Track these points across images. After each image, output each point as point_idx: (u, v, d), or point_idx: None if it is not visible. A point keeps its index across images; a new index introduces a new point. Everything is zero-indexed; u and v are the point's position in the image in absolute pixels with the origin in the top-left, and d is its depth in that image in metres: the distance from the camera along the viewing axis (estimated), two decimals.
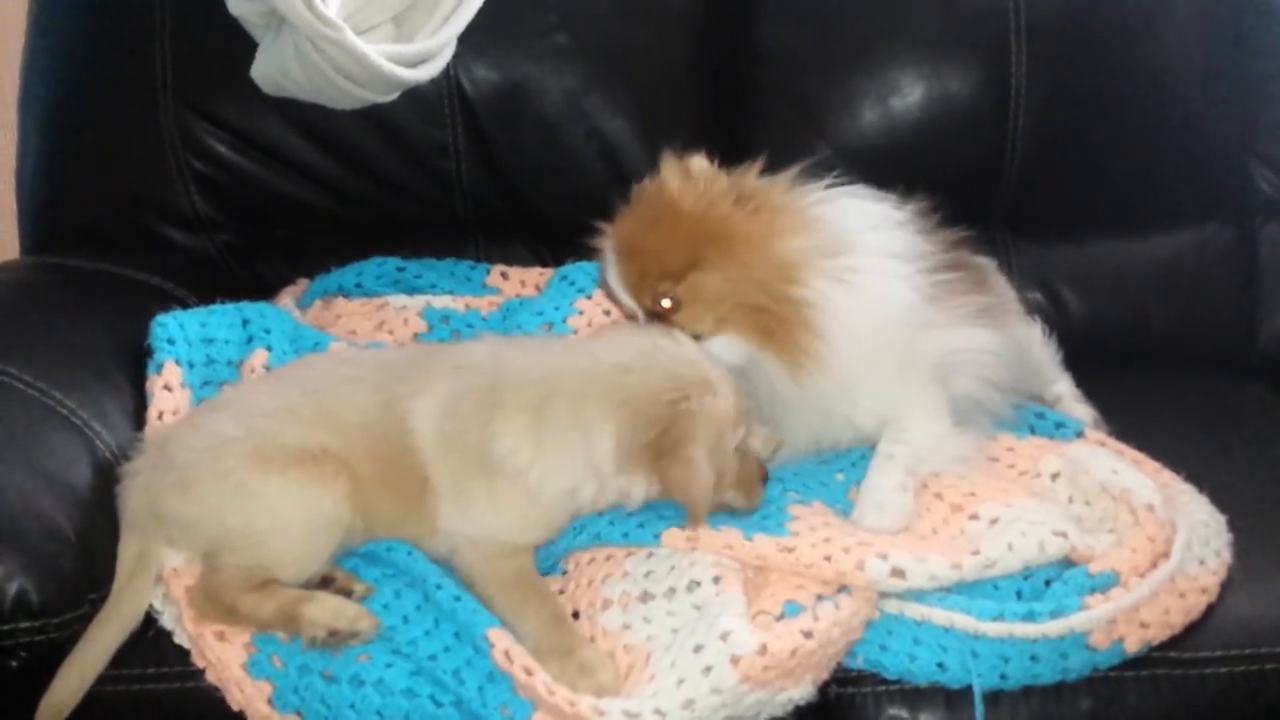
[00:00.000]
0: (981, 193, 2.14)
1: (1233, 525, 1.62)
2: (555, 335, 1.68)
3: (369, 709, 1.40)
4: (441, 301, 1.94)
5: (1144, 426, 1.77)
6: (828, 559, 1.44)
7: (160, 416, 1.64)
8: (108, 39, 2.07)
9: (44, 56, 2.10)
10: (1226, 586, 1.55)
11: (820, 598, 1.44)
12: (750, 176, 1.64)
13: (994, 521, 1.52)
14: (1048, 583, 1.49)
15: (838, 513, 1.55)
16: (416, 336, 1.90)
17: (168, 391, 1.66)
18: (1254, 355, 2.19)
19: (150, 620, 1.52)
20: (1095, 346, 2.10)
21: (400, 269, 2.03)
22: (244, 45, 1.99)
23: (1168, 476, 1.68)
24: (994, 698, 1.46)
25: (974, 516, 1.54)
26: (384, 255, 2.05)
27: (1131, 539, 1.52)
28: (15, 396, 1.58)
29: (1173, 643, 1.50)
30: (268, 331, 1.77)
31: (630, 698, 1.37)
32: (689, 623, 1.41)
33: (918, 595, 1.46)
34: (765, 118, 2.14)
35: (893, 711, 1.48)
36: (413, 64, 1.98)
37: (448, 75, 2.06)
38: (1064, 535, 1.50)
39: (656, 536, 1.48)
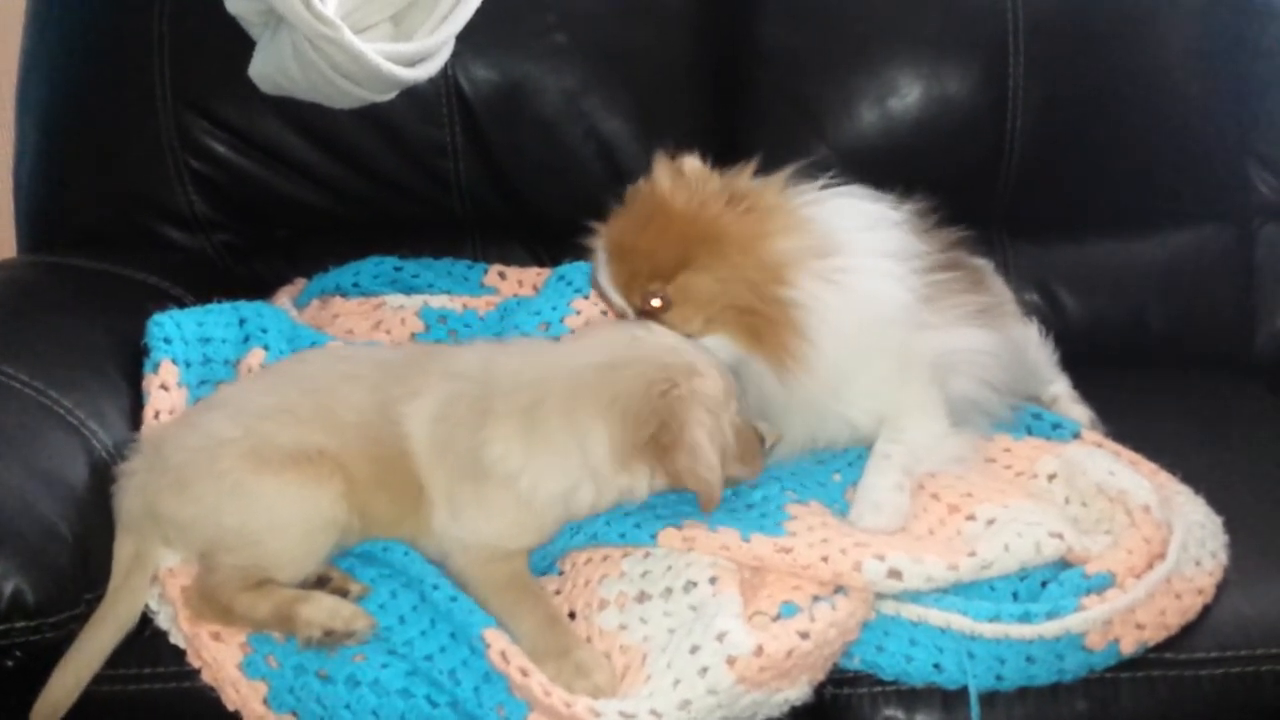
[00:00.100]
0: (980, 193, 2.14)
1: (1229, 526, 1.62)
2: (544, 338, 1.68)
3: (364, 709, 1.40)
4: (439, 301, 1.94)
5: (1141, 427, 1.77)
6: (825, 560, 1.44)
7: (157, 416, 1.64)
8: (106, 37, 2.07)
9: (42, 54, 2.10)
10: (1222, 588, 1.55)
11: (817, 598, 1.44)
12: (743, 177, 1.64)
13: (991, 522, 1.52)
14: (1044, 584, 1.49)
15: (835, 513, 1.55)
16: (414, 336, 1.89)
17: (164, 391, 1.66)
18: (1252, 356, 2.19)
19: (146, 620, 1.52)
20: (1093, 347, 2.10)
21: (398, 268, 2.03)
22: (242, 44, 1.99)
23: (1164, 478, 1.69)
24: (990, 698, 1.46)
25: (971, 517, 1.54)
26: (382, 255, 2.05)
27: (1128, 540, 1.52)
28: (11, 395, 1.58)
29: (1168, 644, 1.50)
30: (265, 331, 1.77)
31: (626, 698, 1.37)
32: (685, 623, 1.41)
33: (914, 596, 1.46)
34: (764, 117, 2.14)
35: (889, 712, 1.48)
36: (411, 63, 1.98)
37: (446, 74, 2.06)
38: (1060, 536, 1.50)
39: (653, 537, 1.48)
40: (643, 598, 1.45)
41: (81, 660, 1.45)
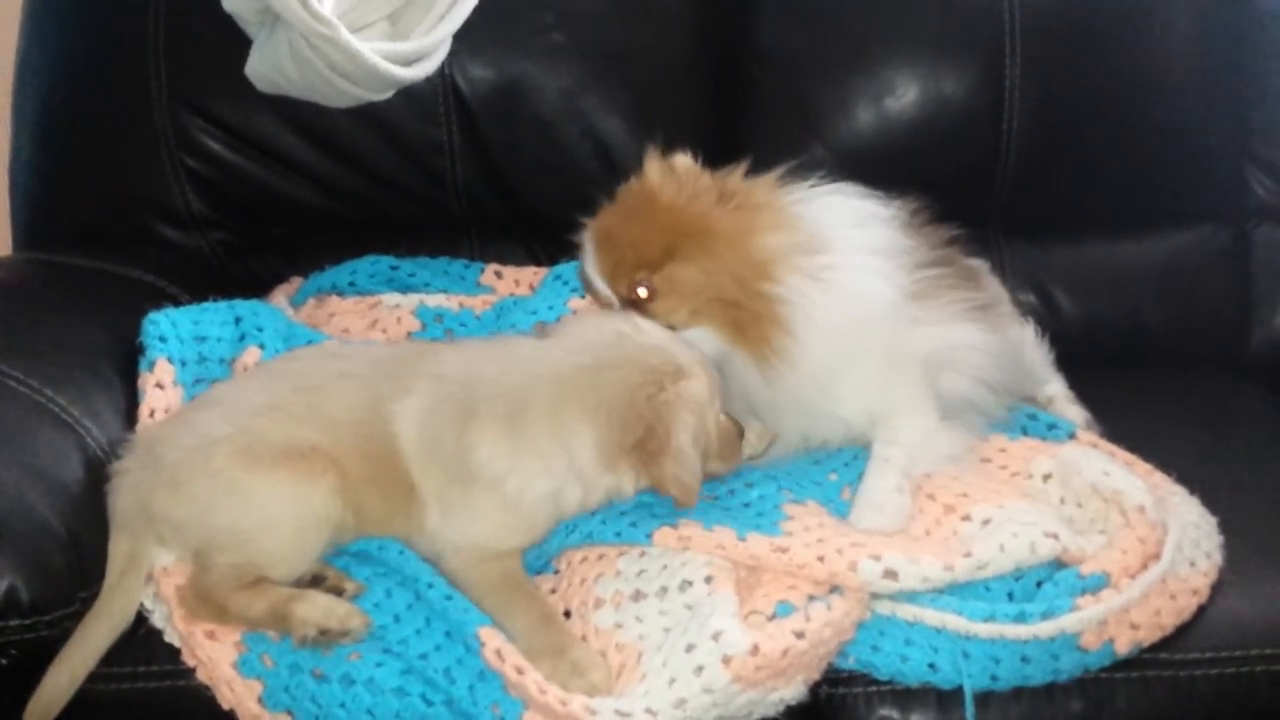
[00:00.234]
0: (976, 194, 2.14)
1: (1224, 527, 1.62)
2: (526, 338, 1.68)
3: (360, 708, 1.40)
4: (435, 300, 1.94)
5: (1138, 427, 1.77)
6: (821, 559, 1.44)
7: (152, 414, 1.64)
8: (102, 34, 2.07)
9: (38, 51, 2.10)
10: (1217, 588, 1.55)
11: (812, 598, 1.44)
12: (735, 176, 1.64)
13: (986, 523, 1.53)
14: (1039, 584, 1.49)
15: (831, 513, 1.55)
16: (410, 335, 1.89)
17: (159, 389, 1.66)
18: (1248, 357, 2.19)
19: (141, 619, 1.52)
20: (1090, 347, 2.10)
21: (394, 267, 2.03)
22: (238, 42, 1.99)
23: (1159, 478, 1.69)
24: (985, 698, 1.45)
25: (966, 518, 1.54)
26: (378, 253, 2.04)
27: (1122, 540, 1.52)
28: (6, 393, 1.57)
29: (1163, 644, 1.50)
30: (260, 329, 1.77)
31: (622, 697, 1.37)
32: (681, 622, 1.41)
33: (910, 596, 1.46)
34: (763, 117, 2.14)
35: (884, 712, 1.48)
36: (408, 62, 1.98)
37: (443, 73, 2.05)
38: (1055, 537, 1.50)
39: (649, 536, 1.48)
40: (638, 596, 1.45)
41: (76, 659, 1.44)
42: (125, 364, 1.70)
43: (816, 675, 1.45)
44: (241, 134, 2.06)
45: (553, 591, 1.51)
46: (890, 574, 1.44)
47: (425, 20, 1.98)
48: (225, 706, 1.45)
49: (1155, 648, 1.50)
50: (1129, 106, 2.12)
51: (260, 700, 1.43)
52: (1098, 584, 1.46)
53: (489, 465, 1.48)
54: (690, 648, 1.37)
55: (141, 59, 2.02)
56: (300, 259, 2.10)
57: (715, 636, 1.36)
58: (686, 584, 1.44)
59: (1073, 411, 1.82)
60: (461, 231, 2.15)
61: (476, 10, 2.02)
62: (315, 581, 1.50)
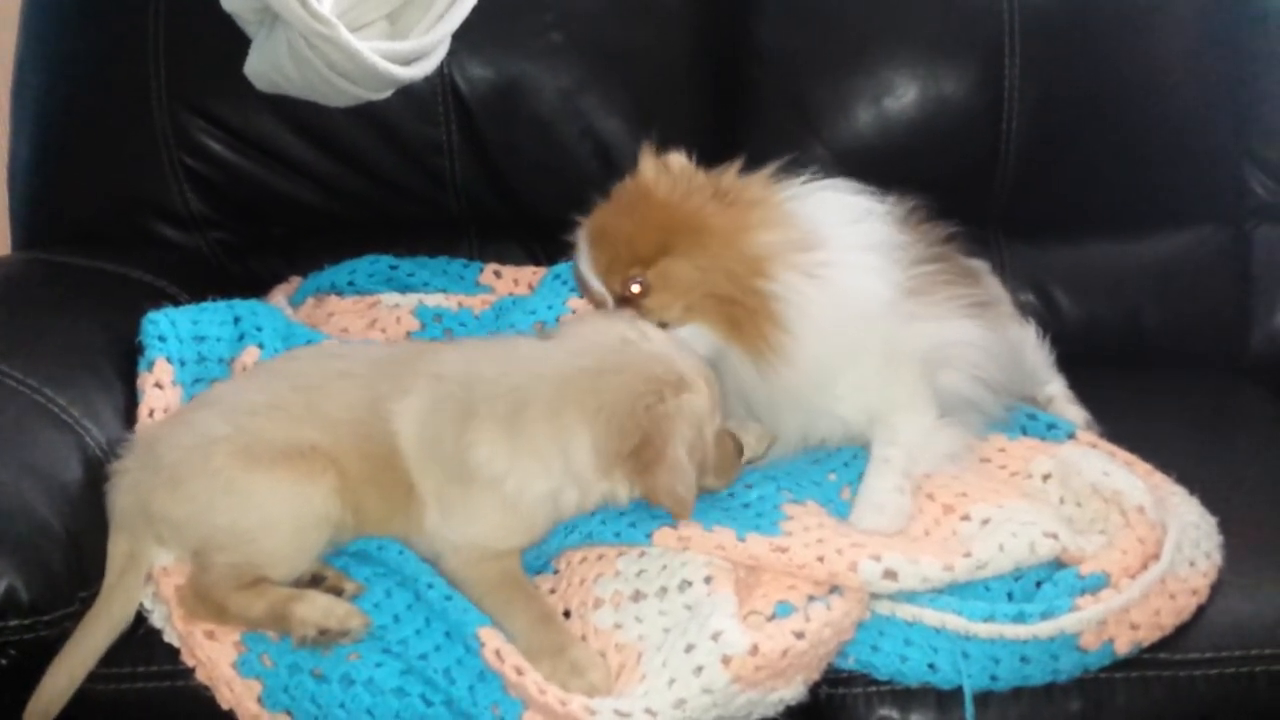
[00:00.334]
0: (975, 194, 2.14)
1: (1224, 527, 1.62)
2: (528, 338, 1.68)
3: (359, 708, 1.40)
4: (434, 300, 1.94)
5: (1137, 428, 1.77)
6: (821, 560, 1.44)
7: (151, 414, 1.63)
8: (101, 33, 2.07)
9: (37, 50, 2.10)
10: (1217, 588, 1.55)
11: (812, 598, 1.44)
12: (729, 174, 1.65)
13: (985, 522, 1.53)
14: (1038, 584, 1.49)
15: (831, 513, 1.55)
16: (409, 335, 1.89)
17: (159, 389, 1.66)
18: (1248, 357, 2.19)
19: (140, 619, 1.52)
20: (1089, 347, 2.10)
21: (393, 267, 2.03)
22: (238, 42, 1.98)
23: (1159, 478, 1.69)
24: (984, 698, 1.46)
25: (966, 517, 1.54)
26: (378, 253, 2.04)
27: (1122, 540, 1.52)
28: (6, 393, 1.57)
29: (1163, 644, 1.50)
30: (259, 329, 1.77)
31: (621, 697, 1.37)
32: (680, 622, 1.41)
33: (909, 596, 1.46)
34: (762, 117, 2.14)
35: (884, 712, 1.48)
36: (407, 61, 1.97)
37: (442, 73, 2.05)
38: (1055, 536, 1.50)
39: (648, 536, 1.48)
40: (638, 597, 1.45)
41: (75, 659, 1.44)
42: (124, 364, 1.70)
43: (816, 675, 1.45)
44: (241, 134, 2.06)
45: (552, 591, 1.51)
46: (890, 574, 1.43)
47: (424, 19, 1.98)
48: (225, 707, 1.45)
49: (1155, 648, 1.50)
50: (1129, 106, 2.12)
51: (259, 700, 1.43)
52: (1097, 584, 1.47)
53: (488, 465, 1.48)
54: (690, 648, 1.37)
55: (141, 59, 2.02)
56: (299, 259, 2.10)
57: (715, 637, 1.36)
58: (686, 584, 1.44)
59: (1072, 411, 1.82)
60: (460, 231, 2.15)
61: (476, 10, 2.02)
62: (314, 581, 1.50)
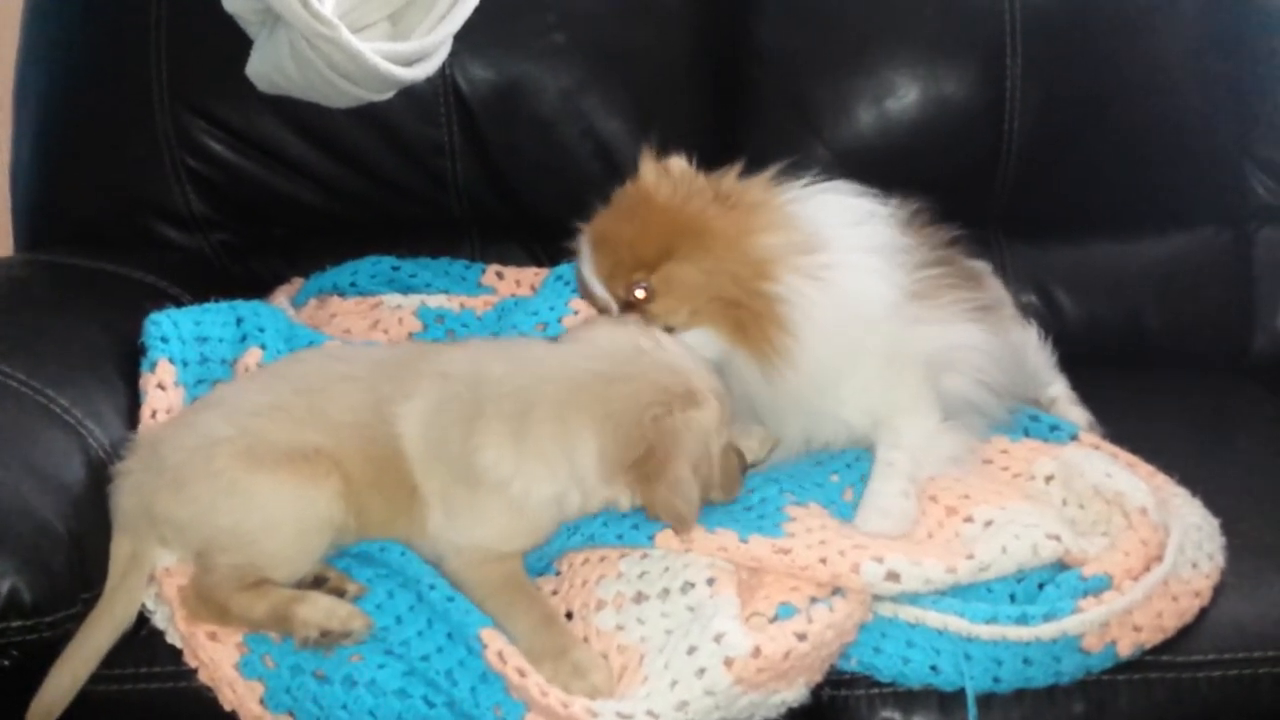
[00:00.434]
0: (977, 194, 2.14)
1: (1226, 529, 1.62)
2: (539, 338, 1.68)
3: (361, 709, 1.40)
4: (436, 301, 1.94)
5: (1140, 429, 1.77)
6: (823, 561, 1.44)
7: (154, 415, 1.63)
8: (103, 34, 2.07)
9: (39, 51, 2.10)
10: (1219, 590, 1.55)
11: (814, 600, 1.44)
12: (730, 177, 1.64)
13: (988, 524, 1.52)
14: (1041, 586, 1.48)
15: (834, 515, 1.55)
16: (411, 336, 1.89)
17: (161, 390, 1.66)
18: (1249, 358, 2.20)
19: (143, 620, 1.52)
20: (1091, 348, 2.10)
21: (395, 268, 2.03)
22: (239, 43, 1.98)
23: (1161, 480, 1.69)
24: (987, 700, 1.45)
25: (968, 519, 1.54)
26: (379, 254, 2.04)
27: (1124, 542, 1.52)
28: (8, 394, 1.57)
29: (1166, 646, 1.50)
30: (262, 330, 1.77)
31: (624, 699, 1.37)
32: (683, 624, 1.41)
33: (912, 598, 1.46)
34: (763, 118, 2.14)
35: (886, 714, 1.48)
36: (408, 62, 1.97)
37: (443, 74, 2.05)
38: (1057, 538, 1.50)
39: (651, 538, 1.48)
40: (640, 598, 1.45)
41: (78, 660, 1.44)
42: (127, 365, 1.70)
43: (818, 677, 1.45)
44: (243, 134, 2.06)
45: (554, 593, 1.51)
46: (893, 576, 1.43)
47: (426, 20, 1.98)
48: (227, 708, 1.45)
49: (1157, 649, 1.50)
50: (1130, 107, 2.13)
51: (262, 701, 1.43)
52: (1100, 586, 1.46)
53: (495, 468, 1.47)
54: (692, 650, 1.37)
55: (143, 59, 2.02)
56: (301, 259, 2.10)
57: (717, 638, 1.36)
58: (688, 586, 1.44)
59: (1075, 413, 1.82)
60: (462, 232, 2.15)
61: (477, 10, 2.02)
62: (317, 583, 1.50)
